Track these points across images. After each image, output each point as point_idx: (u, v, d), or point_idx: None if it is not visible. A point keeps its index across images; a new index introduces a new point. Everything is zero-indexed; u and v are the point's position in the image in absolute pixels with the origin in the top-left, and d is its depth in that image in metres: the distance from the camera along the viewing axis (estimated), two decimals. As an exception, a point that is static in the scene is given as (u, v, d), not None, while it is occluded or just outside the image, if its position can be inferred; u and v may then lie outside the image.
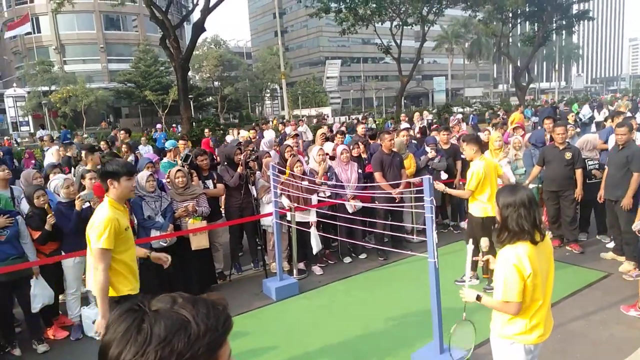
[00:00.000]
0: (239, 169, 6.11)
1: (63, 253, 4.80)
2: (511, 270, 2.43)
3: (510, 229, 2.48)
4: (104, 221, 3.04)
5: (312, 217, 6.15)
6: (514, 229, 2.47)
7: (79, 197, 4.74)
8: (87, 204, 4.79)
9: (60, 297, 5.12)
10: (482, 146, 5.27)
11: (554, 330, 4.29)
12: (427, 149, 7.55)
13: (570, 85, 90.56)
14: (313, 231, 6.06)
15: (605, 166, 6.04)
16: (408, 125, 11.56)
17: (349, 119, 21.74)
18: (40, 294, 4.51)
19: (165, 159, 7.59)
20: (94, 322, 4.59)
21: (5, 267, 4.25)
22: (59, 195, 4.98)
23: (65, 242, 4.80)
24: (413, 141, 8.46)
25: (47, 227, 4.66)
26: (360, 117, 28.33)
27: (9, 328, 4.55)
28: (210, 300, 0.90)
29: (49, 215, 4.68)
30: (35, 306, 4.48)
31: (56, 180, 5.08)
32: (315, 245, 6.07)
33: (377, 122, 21.61)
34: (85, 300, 5.08)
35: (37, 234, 4.68)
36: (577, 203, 6.44)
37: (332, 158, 6.96)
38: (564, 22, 36.05)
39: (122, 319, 0.85)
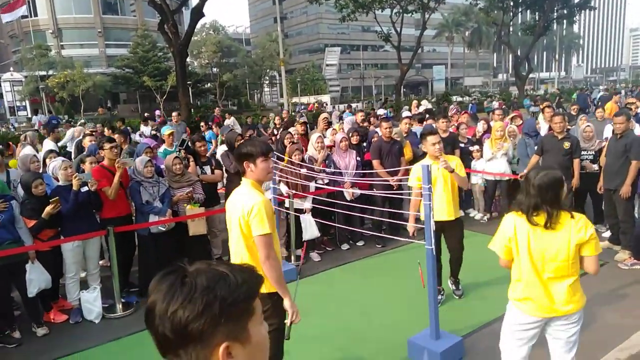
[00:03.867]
0: (237, 155, 6.11)
1: (62, 237, 4.80)
2: (502, 229, 2.82)
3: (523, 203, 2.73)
4: (261, 204, 2.80)
5: (307, 204, 6.17)
6: (524, 204, 2.71)
7: (76, 177, 4.72)
8: (85, 188, 4.78)
9: (61, 280, 5.13)
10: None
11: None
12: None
13: (570, 76, 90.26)
14: (307, 217, 6.09)
15: (604, 156, 6.05)
16: (409, 114, 11.50)
17: (348, 107, 21.68)
18: (36, 278, 4.50)
19: (162, 147, 7.17)
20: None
21: (0, 251, 4.24)
22: (57, 179, 4.98)
23: (64, 225, 4.79)
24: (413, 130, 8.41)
25: (44, 215, 4.55)
26: (358, 105, 28.20)
27: (8, 311, 4.57)
28: (239, 263, 1.03)
29: (49, 207, 4.55)
30: (32, 290, 4.47)
31: (54, 162, 5.08)
32: (309, 232, 6.09)
33: (376, 111, 21.55)
34: (85, 284, 5.11)
35: (31, 222, 4.61)
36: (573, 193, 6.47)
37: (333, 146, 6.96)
38: (565, 12, 35.92)
39: (164, 279, 0.93)
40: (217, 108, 20.73)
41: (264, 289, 2.80)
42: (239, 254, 2.93)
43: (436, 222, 4.49)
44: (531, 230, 2.69)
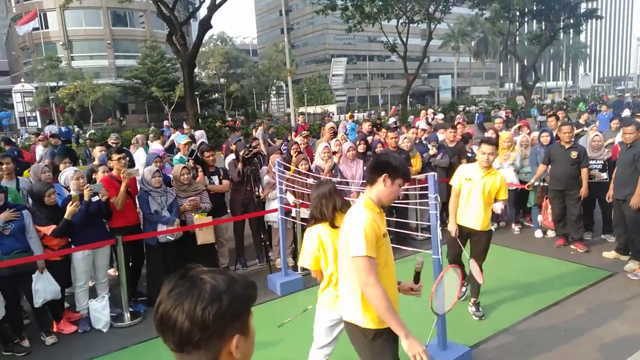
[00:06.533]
0: (239, 165, 6.18)
1: (73, 246, 4.84)
2: (311, 241, 3.08)
3: (315, 215, 3.11)
4: (365, 223, 2.42)
5: (312, 214, 6.17)
6: (317, 215, 3.09)
7: (87, 187, 4.76)
8: (96, 198, 4.83)
9: (67, 290, 5.12)
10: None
11: (558, 327, 4.32)
12: (429, 146, 7.56)
13: (577, 85, 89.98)
14: (314, 227, 6.08)
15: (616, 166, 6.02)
16: (425, 126, 11.34)
17: (350, 116, 21.62)
18: (42, 289, 4.48)
19: (178, 155, 7.38)
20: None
21: (9, 260, 4.26)
22: (68, 190, 5.03)
23: (75, 234, 4.82)
24: (424, 141, 8.37)
25: (67, 216, 4.56)
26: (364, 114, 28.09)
27: (18, 320, 4.59)
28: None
29: (72, 205, 4.57)
30: (37, 301, 4.45)
31: (67, 172, 5.13)
32: None
33: (382, 120, 21.58)
34: (93, 292, 5.14)
35: (46, 228, 4.62)
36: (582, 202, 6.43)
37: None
38: (571, 21, 35.95)
39: (179, 284, 1.04)
40: (300, 116, 20.71)
41: (369, 324, 2.52)
42: (343, 273, 2.68)
43: (464, 228, 4.59)
44: (329, 230, 3.08)
